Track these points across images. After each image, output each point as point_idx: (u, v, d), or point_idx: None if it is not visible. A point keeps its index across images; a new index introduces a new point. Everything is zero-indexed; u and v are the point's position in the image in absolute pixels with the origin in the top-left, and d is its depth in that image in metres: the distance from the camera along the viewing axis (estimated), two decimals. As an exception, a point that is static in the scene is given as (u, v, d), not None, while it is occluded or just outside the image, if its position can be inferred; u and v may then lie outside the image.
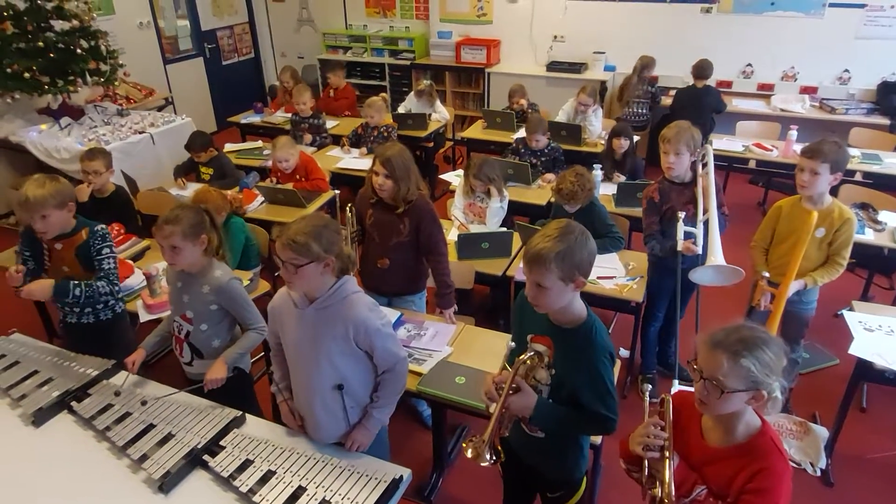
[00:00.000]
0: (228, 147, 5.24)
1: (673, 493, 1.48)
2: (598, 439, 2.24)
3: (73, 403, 2.20)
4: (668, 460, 1.51)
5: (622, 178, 4.30)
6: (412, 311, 3.00)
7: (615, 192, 4.10)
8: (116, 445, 2.02)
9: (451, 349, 2.71)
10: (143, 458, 1.97)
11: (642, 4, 6.52)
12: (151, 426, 2.10)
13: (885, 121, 5.55)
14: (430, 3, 7.51)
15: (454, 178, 4.54)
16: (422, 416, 3.25)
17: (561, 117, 5.37)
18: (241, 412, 2.17)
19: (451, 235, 3.61)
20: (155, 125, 5.46)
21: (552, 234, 1.65)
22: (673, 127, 2.99)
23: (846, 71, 6.03)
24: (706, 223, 2.90)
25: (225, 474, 1.89)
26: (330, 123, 5.64)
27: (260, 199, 4.18)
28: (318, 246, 1.84)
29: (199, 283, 2.33)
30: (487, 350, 2.64)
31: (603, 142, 5.01)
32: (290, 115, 5.66)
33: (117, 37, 6.10)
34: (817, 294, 3.01)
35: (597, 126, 5.24)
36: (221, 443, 2.03)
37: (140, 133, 5.27)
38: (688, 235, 2.89)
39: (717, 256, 2.74)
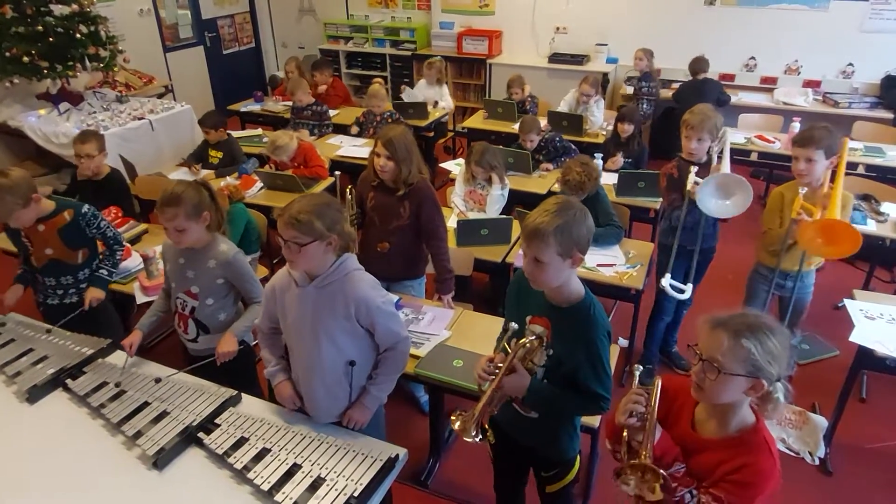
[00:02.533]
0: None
1: (651, 456, 1.43)
2: (595, 422, 2.23)
3: (68, 381, 2.19)
4: (648, 429, 1.47)
5: (620, 162, 4.28)
6: (411, 297, 2.98)
7: (616, 181, 4.08)
8: (111, 422, 2.01)
9: (449, 333, 2.70)
10: (138, 434, 1.95)
11: (646, -4, 6.49)
12: (146, 404, 2.09)
13: (889, 114, 5.53)
14: (432, -7, 7.48)
15: (454, 167, 4.52)
16: (419, 402, 3.23)
17: (563, 108, 5.35)
18: (236, 391, 2.15)
19: (451, 223, 3.59)
20: (154, 111, 5.43)
21: (551, 208, 1.64)
22: (697, 113, 2.98)
23: (850, 65, 6.00)
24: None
25: (220, 451, 1.88)
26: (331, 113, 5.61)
27: (258, 184, 4.17)
28: (322, 224, 1.82)
29: (205, 258, 2.33)
30: (486, 335, 2.62)
31: (605, 132, 5.00)
32: (290, 103, 5.63)
33: (117, 24, 6.06)
34: (814, 278, 3.02)
35: (598, 117, 5.22)
36: (217, 421, 2.02)
37: (139, 119, 5.24)
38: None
39: (724, 168, 2.81)
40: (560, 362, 1.73)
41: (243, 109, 6.15)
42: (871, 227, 3.52)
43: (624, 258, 3.33)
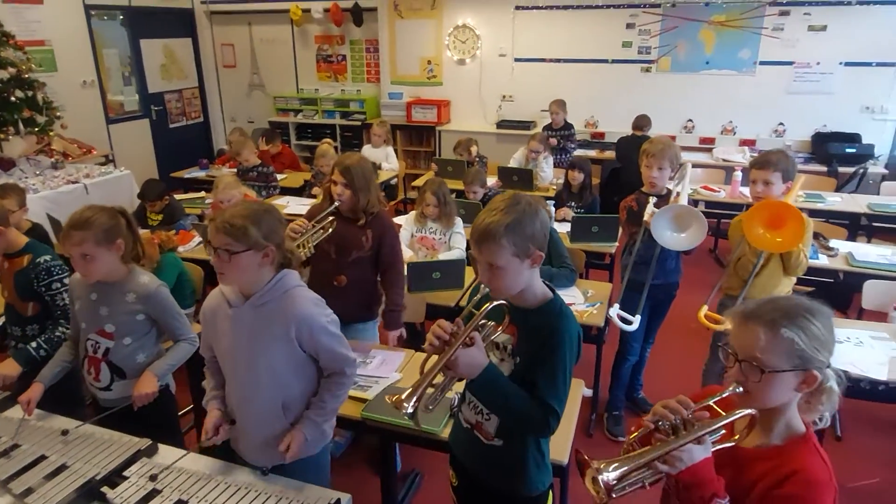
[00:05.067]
0: (169, 197, 5.00)
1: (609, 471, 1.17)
2: (564, 458, 2.00)
3: (-51, 438, 1.86)
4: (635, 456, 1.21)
5: (571, 213, 4.26)
6: (360, 341, 2.76)
7: (570, 228, 4.03)
8: (-5, 480, 1.68)
9: (399, 376, 2.47)
10: (28, 492, 1.64)
11: (587, 65, 6.77)
12: (42, 458, 1.78)
13: (823, 168, 5.76)
14: (380, 66, 7.65)
15: (403, 221, 4.40)
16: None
17: (512, 164, 5.38)
18: (151, 441, 1.85)
19: (401, 270, 3.43)
20: (91, 176, 5.20)
21: (499, 206, 1.49)
22: (657, 142, 2.98)
23: (781, 124, 6.30)
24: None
25: (125, 506, 1.58)
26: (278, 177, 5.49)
27: (196, 239, 3.94)
28: (257, 231, 1.64)
29: (122, 292, 2.07)
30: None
31: (555, 186, 5.02)
32: (235, 168, 5.49)
33: (59, 94, 5.91)
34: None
35: (548, 172, 5.27)
36: (125, 473, 1.72)
37: (73, 183, 4.99)
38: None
39: (682, 201, 2.77)
40: (527, 370, 1.53)
41: (187, 176, 5.97)
42: (824, 261, 3.53)
43: (583, 297, 3.21)
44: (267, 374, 1.72)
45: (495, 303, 1.48)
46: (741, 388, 1.27)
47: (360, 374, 2.42)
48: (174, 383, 2.25)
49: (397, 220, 4.52)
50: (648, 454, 1.20)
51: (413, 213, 3.81)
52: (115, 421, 1.96)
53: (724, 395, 1.31)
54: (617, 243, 3.93)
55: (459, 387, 1.73)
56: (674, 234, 2.76)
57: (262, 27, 8.12)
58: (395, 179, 6.05)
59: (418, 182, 5.64)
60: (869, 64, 5.93)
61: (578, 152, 6.23)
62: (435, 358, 1.42)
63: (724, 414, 1.26)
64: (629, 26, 6.52)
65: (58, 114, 5.34)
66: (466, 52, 7.21)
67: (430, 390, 1.41)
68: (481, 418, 1.63)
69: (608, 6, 6.52)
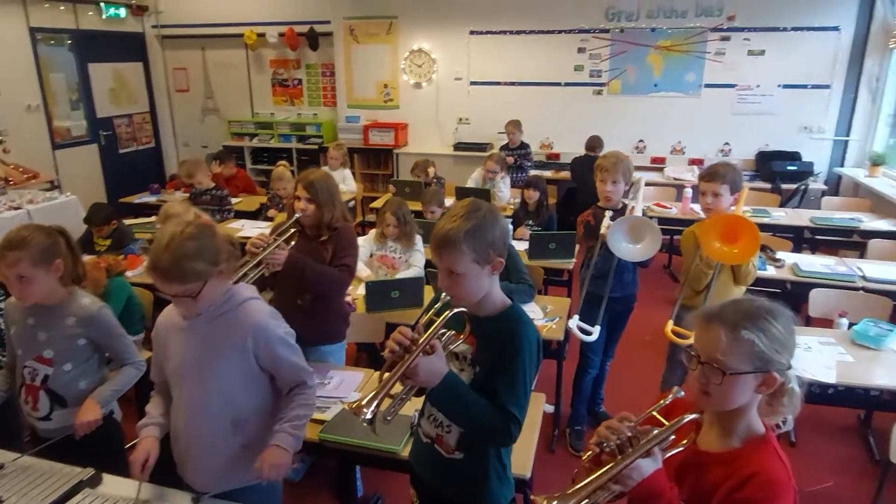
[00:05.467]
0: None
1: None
2: (527, 472, 1.98)
3: None
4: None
5: (528, 232, 4.30)
6: (322, 364, 2.69)
7: (528, 245, 4.06)
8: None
9: (359, 395, 2.41)
10: (-45, 532, 1.52)
11: (540, 88, 6.92)
12: (-29, 495, 1.66)
13: (767, 185, 5.99)
14: (337, 90, 7.66)
15: (363, 240, 4.37)
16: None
17: (470, 184, 5.41)
18: (94, 471, 1.76)
19: (360, 290, 3.39)
20: (35, 202, 5.01)
21: (458, 213, 1.49)
22: (610, 157, 3.04)
23: (727, 143, 6.54)
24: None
25: (63, 540, 1.48)
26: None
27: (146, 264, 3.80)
28: (205, 262, 1.58)
29: (62, 316, 1.97)
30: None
31: (512, 206, 5.07)
32: (188, 192, 5.37)
33: (2, 118, 5.72)
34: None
35: (505, 192, 5.32)
36: (65, 506, 1.62)
37: (16, 209, 4.80)
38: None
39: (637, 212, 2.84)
40: (488, 379, 1.51)
41: (137, 201, 5.81)
42: (772, 272, 3.65)
43: (542, 313, 3.22)
44: (217, 388, 1.65)
45: (455, 310, 1.47)
46: (682, 392, 1.29)
47: (319, 396, 2.34)
48: (120, 411, 2.15)
49: (360, 240, 4.49)
50: (598, 480, 1.20)
51: (374, 231, 3.78)
52: (56, 452, 1.85)
53: (666, 403, 1.33)
54: (574, 259, 3.97)
55: (419, 404, 1.71)
56: (629, 245, 2.81)
57: (216, 51, 8.05)
58: (353, 202, 6.02)
59: (376, 204, 5.62)
60: (805, 86, 6.23)
61: (534, 172, 6.32)
62: (395, 365, 1.39)
63: (667, 424, 1.27)
64: (580, 50, 6.71)
65: (0, 138, 5.15)
66: (422, 75, 7.29)
67: (388, 400, 1.38)
68: (441, 431, 1.61)
69: (559, 31, 6.70)
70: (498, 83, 7.06)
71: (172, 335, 1.71)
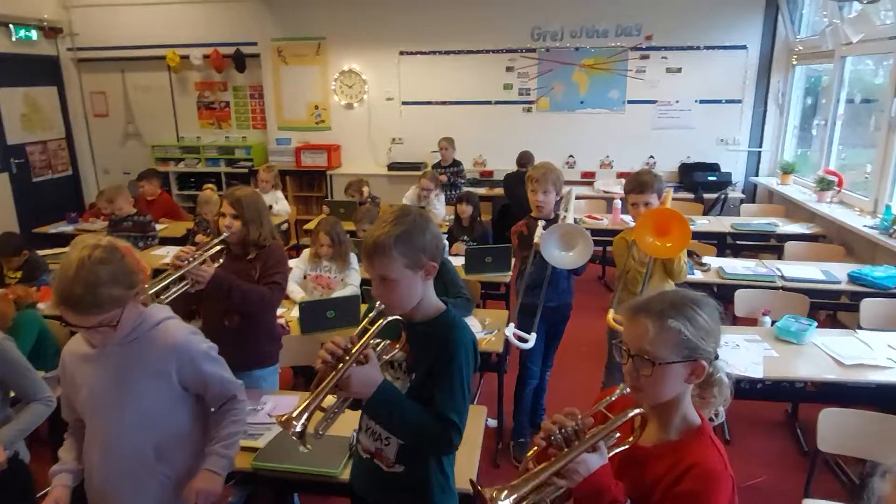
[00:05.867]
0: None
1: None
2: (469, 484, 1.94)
3: None
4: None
5: (464, 247, 4.31)
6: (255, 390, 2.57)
7: (464, 261, 4.06)
8: None
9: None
10: None
11: (471, 106, 7.02)
12: None
13: (690, 195, 6.25)
14: (266, 112, 7.52)
15: (296, 263, 4.26)
16: None
17: (405, 202, 5.39)
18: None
19: (294, 313, 3.29)
20: (-67, 235, 4.62)
21: (388, 219, 1.47)
22: (539, 167, 3.10)
23: (651, 157, 6.80)
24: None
25: None
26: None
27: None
28: (121, 287, 1.48)
29: None
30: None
31: (448, 223, 5.08)
32: (107, 220, 5.10)
33: None
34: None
35: (440, 209, 5.34)
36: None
37: (-88, 244, 4.40)
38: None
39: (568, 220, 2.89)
40: (424, 385, 1.48)
41: (53, 231, 5.48)
42: (699, 275, 3.79)
43: (480, 326, 3.21)
44: (136, 417, 1.54)
45: (390, 318, 1.43)
46: (628, 389, 1.29)
47: (251, 423, 2.24)
48: (28, 452, 1.97)
49: (290, 262, 4.37)
50: (543, 472, 1.18)
51: (307, 251, 3.69)
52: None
53: (612, 399, 1.33)
54: (511, 272, 4.00)
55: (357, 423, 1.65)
56: (562, 252, 2.86)
57: (137, 74, 7.75)
58: (287, 225, 5.88)
59: (310, 226, 5.51)
60: (719, 101, 6.59)
61: (468, 189, 6.36)
62: (328, 376, 1.34)
63: (613, 417, 1.27)
64: (509, 69, 6.86)
65: None
66: (354, 96, 7.26)
67: (321, 414, 1.32)
68: (380, 444, 1.55)
69: (488, 51, 6.84)
70: (430, 103, 7.12)
71: (80, 367, 1.59)
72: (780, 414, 3.60)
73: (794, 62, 6.25)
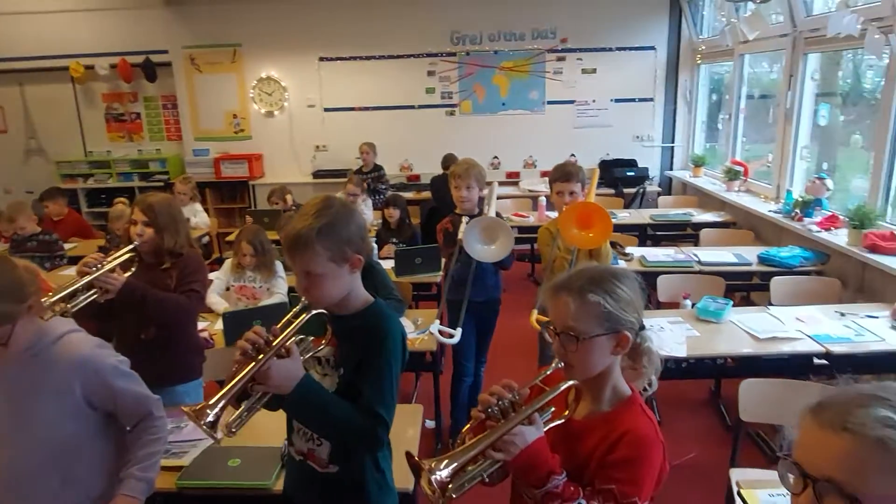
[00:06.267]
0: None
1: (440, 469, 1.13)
2: (409, 484, 1.90)
3: None
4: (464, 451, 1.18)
5: (393, 249, 4.29)
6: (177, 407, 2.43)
7: (394, 263, 4.03)
8: None
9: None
10: None
11: (395, 111, 7.01)
12: None
13: (611, 190, 6.47)
14: (181, 123, 7.22)
15: (218, 275, 4.10)
16: None
17: (331, 208, 5.31)
18: None
19: (219, 325, 3.16)
20: None
21: (309, 211, 1.42)
22: (462, 164, 3.14)
23: (573, 155, 6.98)
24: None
25: None
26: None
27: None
28: (10, 302, 1.37)
29: None
30: (265, 428, 2.19)
31: (376, 227, 5.03)
32: (8, 241, 4.74)
33: None
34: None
35: (368, 214, 5.29)
36: None
37: None
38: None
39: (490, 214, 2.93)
40: (352, 380, 1.43)
41: (-55, 256, 5.02)
42: (623, 265, 3.91)
43: (413, 326, 3.18)
44: (36, 442, 1.42)
45: (314, 312, 1.38)
46: (563, 363, 1.30)
47: (174, 441, 2.11)
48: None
49: (211, 275, 4.20)
50: (480, 443, 1.17)
51: (229, 262, 3.55)
52: None
53: (548, 373, 1.33)
54: (441, 272, 3.99)
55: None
56: (484, 246, 2.89)
57: (38, 87, 7.28)
58: (208, 237, 5.66)
59: (232, 237, 5.32)
60: (633, 100, 6.87)
61: (393, 193, 6.33)
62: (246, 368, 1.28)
63: (548, 389, 1.28)
64: (430, 73, 6.90)
65: None
66: (274, 104, 7.09)
67: (237, 410, 1.26)
68: (313, 445, 1.50)
69: (408, 56, 6.85)
70: (353, 109, 7.05)
71: None
72: (705, 392, 3.76)
73: (699, 61, 6.60)
